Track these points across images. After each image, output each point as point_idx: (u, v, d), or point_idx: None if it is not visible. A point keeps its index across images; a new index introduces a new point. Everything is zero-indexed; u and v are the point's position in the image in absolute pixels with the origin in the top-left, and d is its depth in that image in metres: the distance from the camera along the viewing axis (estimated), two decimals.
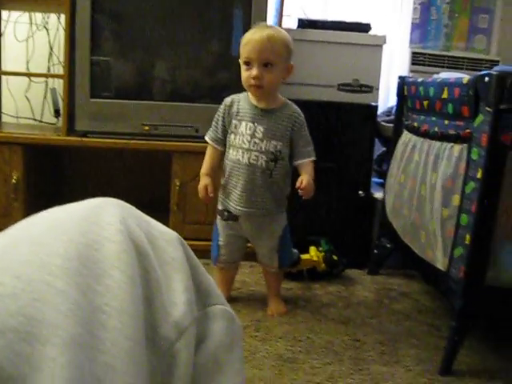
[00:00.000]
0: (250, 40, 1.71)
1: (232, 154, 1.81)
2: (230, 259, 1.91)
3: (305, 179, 1.73)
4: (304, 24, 2.44)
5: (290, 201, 1.90)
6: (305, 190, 1.73)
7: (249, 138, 1.77)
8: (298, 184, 1.74)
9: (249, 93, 1.81)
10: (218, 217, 1.89)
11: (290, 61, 1.77)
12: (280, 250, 1.89)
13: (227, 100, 1.85)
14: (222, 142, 1.84)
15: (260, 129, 1.77)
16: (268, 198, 1.81)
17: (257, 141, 1.77)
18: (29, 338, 0.35)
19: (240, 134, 1.79)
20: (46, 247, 0.42)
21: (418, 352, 1.68)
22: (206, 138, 1.87)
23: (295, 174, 1.84)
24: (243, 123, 1.79)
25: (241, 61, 1.75)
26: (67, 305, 0.38)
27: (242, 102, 1.82)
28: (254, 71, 1.70)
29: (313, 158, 1.81)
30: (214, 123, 1.86)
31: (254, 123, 1.78)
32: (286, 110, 1.81)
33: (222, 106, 1.85)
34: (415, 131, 1.94)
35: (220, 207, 1.88)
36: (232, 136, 1.81)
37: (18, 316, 0.35)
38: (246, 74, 1.73)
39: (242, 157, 1.78)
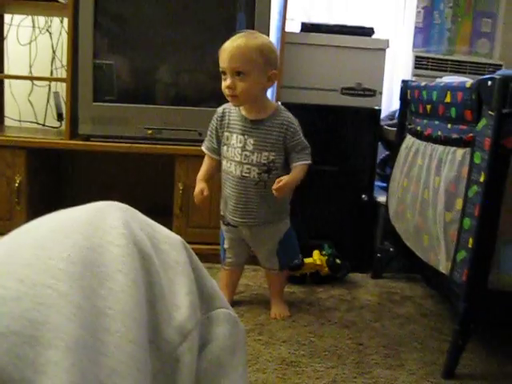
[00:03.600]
0: (222, 50, 1.69)
1: (226, 166, 1.81)
2: (235, 262, 1.93)
3: (284, 180, 1.70)
4: (307, 28, 2.45)
5: (293, 205, 1.90)
6: (278, 189, 1.70)
7: (240, 151, 1.76)
8: (274, 185, 1.71)
9: None
10: (221, 221, 1.90)
11: (271, 68, 1.71)
12: (280, 253, 1.89)
13: (219, 111, 1.84)
14: (218, 151, 1.85)
15: (250, 141, 1.76)
16: (264, 209, 1.80)
17: (248, 153, 1.76)
18: (32, 342, 0.35)
19: (232, 146, 1.78)
20: (50, 251, 0.42)
21: (421, 355, 1.67)
22: (203, 148, 1.88)
23: None
24: (234, 136, 1.78)
25: None
26: (71, 308, 0.38)
27: (233, 112, 1.81)
28: (227, 81, 1.69)
29: (306, 162, 1.77)
30: (208, 133, 1.86)
31: (244, 135, 1.77)
32: (276, 118, 1.77)
33: (214, 116, 1.84)
34: (418, 135, 1.94)
35: (221, 212, 1.89)
36: (225, 148, 1.81)
37: (22, 319, 0.35)
38: (222, 85, 1.71)
39: (235, 170, 1.78)
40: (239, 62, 1.66)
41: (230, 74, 1.68)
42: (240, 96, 1.70)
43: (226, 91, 1.71)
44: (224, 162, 1.82)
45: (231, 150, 1.78)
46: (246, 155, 1.76)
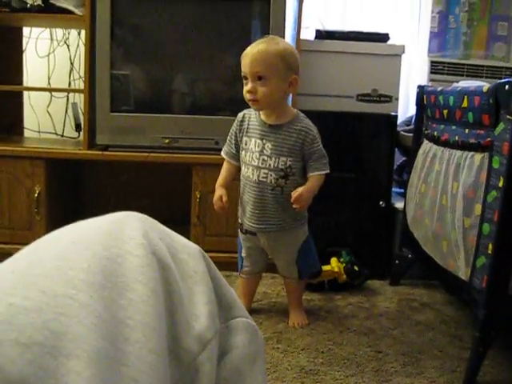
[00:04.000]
0: (244, 55, 1.72)
1: (243, 171, 1.82)
2: (253, 270, 1.93)
3: (299, 191, 1.71)
4: (322, 35, 2.45)
5: (311, 212, 1.90)
6: (296, 201, 1.71)
7: (258, 156, 1.77)
8: (292, 196, 1.72)
9: None
10: (239, 229, 1.90)
11: (291, 73, 1.73)
12: (299, 262, 1.88)
13: (239, 116, 1.86)
14: (237, 156, 1.85)
15: (268, 145, 1.76)
16: (281, 214, 1.80)
17: (265, 158, 1.76)
18: (54, 352, 0.35)
19: (250, 150, 1.79)
20: (70, 262, 0.42)
21: (441, 363, 1.66)
22: (222, 154, 1.89)
23: None
24: (252, 140, 1.79)
25: None
26: (91, 318, 0.38)
27: (253, 117, 1.82)
28: (248, 85, 1.70)
29: (322, 172, 1.77)
30: (228, 138, 1.88)
31: (262, 140, 1.78)
32: (295, 124, 1.78)
33: (235, 122, 1.86)
34: (435, 140, 1.93)
35: (239, 220, 1.89)
36: (243, 153, 1.82)
37: (44, 330, 0.36)
38: (244, 89, 1.73)
39: (252, 174, 1.78)
40: (261, 66, 1.68)
41: (251, 78, 1.70)
42: (261, 100, 1.71)
43: (247, 96, 1.72)
44: (242, 167, 1.83)
45: (249, 154, 1.79)
46: (263, 159, 1.76)
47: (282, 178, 1.77)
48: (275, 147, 1.76)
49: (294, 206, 1.73)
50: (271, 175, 1.76)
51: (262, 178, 1.77)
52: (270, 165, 1.76)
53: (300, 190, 1.72)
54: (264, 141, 1.77)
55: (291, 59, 1.72)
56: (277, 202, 1.78)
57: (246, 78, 1.72)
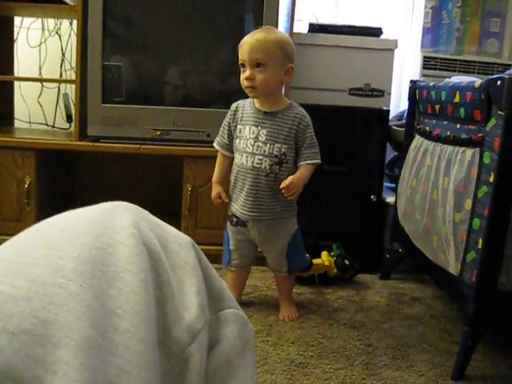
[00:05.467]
0: (242, 42, 1.73)
1: (237, 159, 1.82)
2: (242, 263, 1.92)
3: (289, 179, 1.73)
4: (315, 28, 2.45)
5: (302, 205, 1.90)
6: (286, 189, 1.73)
7: (252, 142, 1.78)
8: (282, 184, 1.73)
9: None
10: (228, 222, 1.90)
11: (288, 62, 1.75)
12: (289, 255, 1.88)
13: (233, 105, 1.87)
14: (229, 147, 1.86)
15: (263, 132, 1.77)
16: (274, 202, 1.80)
17: (260, 144, 1.77)
18: (42, 341, 0.35)
19: (244, 138, 1.80)
20: (60, 251, 0.42)
21: (430, 357, 1.67)
22: (214, 144, 1.90)
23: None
24: (247, 127, 1.80)
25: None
26: (80, 308, 0.38)
27: (247, 106, 1.83)
28: (247, 72, 1.72)
29: (313, 161, 1.79)
30: (221, 129, 1.88)
31: (257, 127, 1.78)
32: (290, 111, 1.79)
33: (228, 112, 1.86)
34: (427, 135, 1.93)
35: (229, 213, 1.89)
36: (237, 141, 1.82)
37: (32, 318, 0.36)
38: (241, 77, 1.74)
39: (246, 161, 1.78)
40: (259, 53, 1.69)
41: (249, 66, 1.71)
42: (259, 87, 1.72)
43: (244, 83, 1.73)
44: (236, 156, 1.83)
45: (243, 141, 1.80)
46: (258, 146, 1.77)
47: (277, 164, 1.77)
48: (270, 134, 1.77)
49: (283, 191, 1.73)
50: (266, 161, 1.77)
51: (257, 164, 1.77)
52: (264, 151, 1.77)
53: (290, 178, 1.73)
54: (259, 127, 1.78)
55: (288, 48, 1.75)
56: (270, 189, 1.78)
57: (244, 66, 1.73)
